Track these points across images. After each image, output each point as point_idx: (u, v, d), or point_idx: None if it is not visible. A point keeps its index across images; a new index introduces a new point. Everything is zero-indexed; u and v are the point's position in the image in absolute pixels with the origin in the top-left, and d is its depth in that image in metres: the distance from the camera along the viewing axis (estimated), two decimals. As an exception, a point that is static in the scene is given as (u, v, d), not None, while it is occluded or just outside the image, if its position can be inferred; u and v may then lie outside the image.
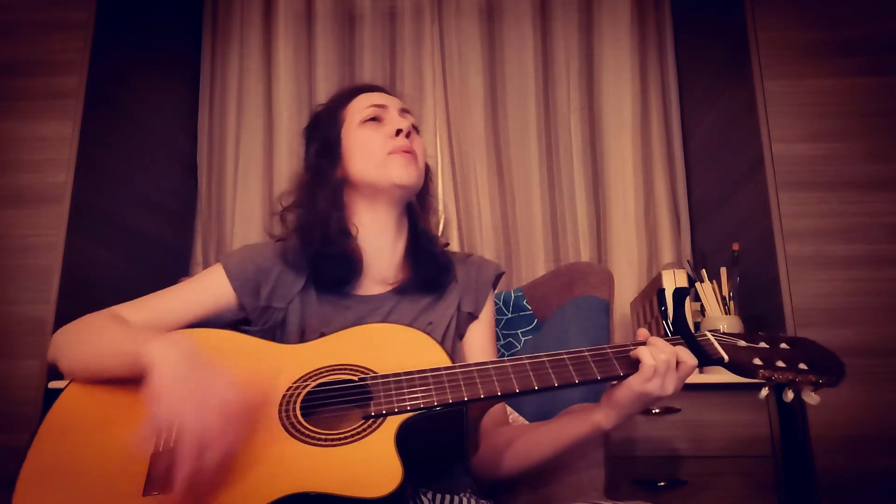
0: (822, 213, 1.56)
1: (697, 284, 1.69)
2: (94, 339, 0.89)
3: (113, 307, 0.96)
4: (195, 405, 0.70)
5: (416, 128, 1.10)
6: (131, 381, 0.84)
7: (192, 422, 0.68)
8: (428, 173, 1.13)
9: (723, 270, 1.69)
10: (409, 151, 1.04)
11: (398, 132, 1.04)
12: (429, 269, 1.06)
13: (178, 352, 0.76)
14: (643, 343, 0.86)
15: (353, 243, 1.03)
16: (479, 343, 1.07)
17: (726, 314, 1.63)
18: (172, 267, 2.15)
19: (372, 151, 1.03)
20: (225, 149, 2.34)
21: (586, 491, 1.01)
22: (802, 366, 0.85)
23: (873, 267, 1.52)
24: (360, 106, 1.08)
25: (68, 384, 0.87)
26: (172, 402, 0.70)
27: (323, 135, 1.09)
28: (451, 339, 1.04)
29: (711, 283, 1.68)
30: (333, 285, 1.02)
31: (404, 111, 1.09)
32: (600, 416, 0.89)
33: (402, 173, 1.02)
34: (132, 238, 1.91)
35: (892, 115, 1.60)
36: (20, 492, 0.73)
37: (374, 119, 1.06)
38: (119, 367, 0.82)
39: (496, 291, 1.18)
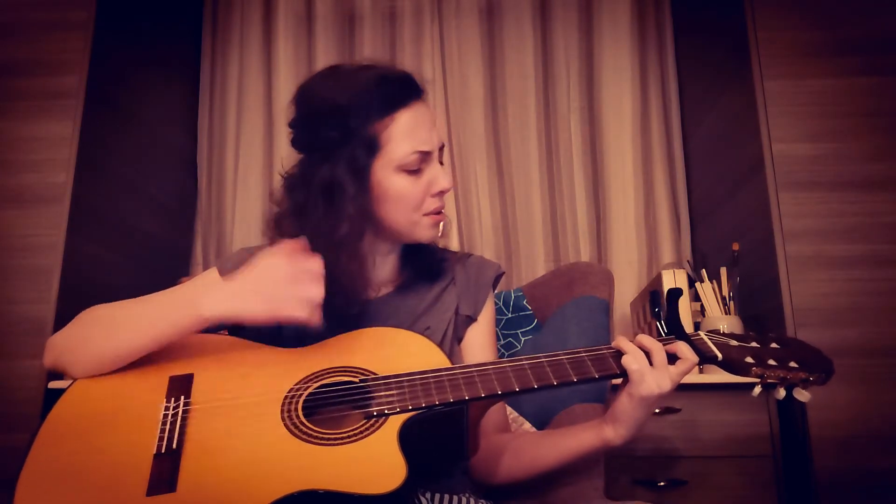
0: (822, 213, 1.56)
1: (697, 284, 1.69)
2: (120, 321, 0.87)
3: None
4: (303, 285, 0.80)
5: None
6: (129, 381, 0.85)
7: (315, 290, 0.80)
8: None
9: (723, 270, 1.69)
10: (441, 212, 0.98)
11: (440, 193, 0.96)
12: (421, 263, 1.05)
13: (237, 285, 0.83)
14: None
15: (362, 271, 0.96)
16: (479, 345, 1.06)
17: (726, 314, 1.64)
18: (172, 267, 2.15)
19: (407, 207, 0.94)
20: (225, 149, 2.34)
21: (586, 491, 1.01)
22: (793, 364, 0.87)
23: (873, 267, 1.52)
24: (404, 145, 0.91)
25: (69, 385, 0.87)
26: (297, 298, 0.79)
27: (349, 149, 0.90)
28: (450, 343, 1.03)
29: (711, 283, 1.68)
30: (331, 306, 0.98)
31: (441, 150, 0.98)
32: (610, 432, 0.88)
33: (430, 234, 0.98)
34: (132, 238, 1.91)
35: (892, 115, 1.60)
36: (21, 492, 0.73)
37: (415, 169, 0.93)
38: (165, 336, 0.84)
39: (496, 291, 1.18)
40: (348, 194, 0.90)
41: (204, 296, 0.83)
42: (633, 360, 0.84)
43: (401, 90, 0.93)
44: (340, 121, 0.90)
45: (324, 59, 2.35)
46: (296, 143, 0.98)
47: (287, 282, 0.80)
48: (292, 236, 0.90)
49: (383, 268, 1.05)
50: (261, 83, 2.37)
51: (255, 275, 0.82)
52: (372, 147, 0.90)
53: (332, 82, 0.94)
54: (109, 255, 1.78)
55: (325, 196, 0.91)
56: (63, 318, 1.54)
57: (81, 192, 1.66)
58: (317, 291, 0.80)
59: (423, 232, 0.97)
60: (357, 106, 0.90)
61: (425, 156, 0.93)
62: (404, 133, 0.91)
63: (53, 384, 1.51)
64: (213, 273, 0.99)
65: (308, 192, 0.93)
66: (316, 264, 0.82)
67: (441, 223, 0.99)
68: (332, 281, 0.89)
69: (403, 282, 1.05)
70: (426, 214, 0.96)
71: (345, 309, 0.95)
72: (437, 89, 2.32)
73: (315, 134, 0.93)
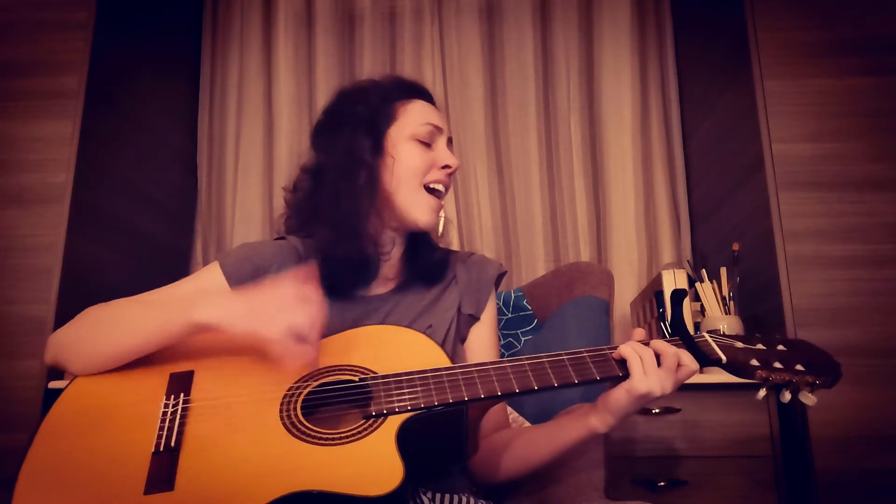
0: (822, 213, 1.56)
1: (697, 284, 1.69)
2: (117, 321, 0.88)
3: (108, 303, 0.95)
4: (292, 311, 0.78)
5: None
6: (130, 378, 0.85)
7: (302, 317, 0.78)
8: None
9: (723, 270, 1.69)
10: (444, 192, 1.02)
11: (445, 167, 1.01)
12: (424, 263, 1.05)
13: (233, 298, 0.82)
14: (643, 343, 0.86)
15: (376, 251, 1.01)
16: (482, 345, 1.06)
17: (726, 314, 1.63)
18: (172, 267, 2.15)
19: (412, 175, 0.99)
20: (225, 149, 2.34)
21: (586, 491, 1.01)
22: (799, 367, 0.85)
23: (873, 267, 1.52)
24: (418, 117, 1.02)
25: (69, 384, 0.87)
26: (279, 320, 0.78)
27: (370, 118, 1.01)
28: (452, 342, 1.03)
29: (711, 283, 1.68)
30: (342, 288, 1.01)
31: (450, 141, 1.06)
32: (595, 420, 0.88)
33: (427, 218, 1.00)
34: (132, 238, 1.91)
35: (892, 115, 1.60)
36: (20, 492, 0.73)
37: (425, 141, 1.01)
38: (159, 339, 0.84)
39: (497, 291, 1.17)
40: (364, 158, 0.98)
41: (199, 302, 0.83)
42: (634, 362, 0.82)
43: (418, 87, 1.07)
44: (367, 98, 1.03)
45: (324, 59, 2.35)
46: (322, 127, 1.06)
47: (277, 306, 0.80)
48: (300, 225, 1.03)
49: (386, 263, 1.05)
50: (261, 83, 2.37)
51: (254, 293, 0.82)
52: (390, 116, 1.01)
53: (363, 80, 1.09)
54: (109, 255, 1.78)
55: (340, 171, 0.99)
56: (63, 318, 1.53)
57: (81, 192, 1.66)
58: (301, 319, 0.79)
59: (420, 212, 0.99)
60: (382, 88, 1.05)
61: (437, 130, 1.02)
62: (418, 111, 1.03)
63: (53, 384, 1.51)
64: (215, 270, 0.99)
65: (323, 174, 1.01)
66: (313, 293, 0.82)
67: (441, 213, 1.02)
68: (337, 263, 0.96)
69: (405, 280, 1.06)
70: (428, 188, 1.00)
71: (348, 289, 1.00)
72: (437, 89, 2.32)
73: (343, 111, 1.03)
